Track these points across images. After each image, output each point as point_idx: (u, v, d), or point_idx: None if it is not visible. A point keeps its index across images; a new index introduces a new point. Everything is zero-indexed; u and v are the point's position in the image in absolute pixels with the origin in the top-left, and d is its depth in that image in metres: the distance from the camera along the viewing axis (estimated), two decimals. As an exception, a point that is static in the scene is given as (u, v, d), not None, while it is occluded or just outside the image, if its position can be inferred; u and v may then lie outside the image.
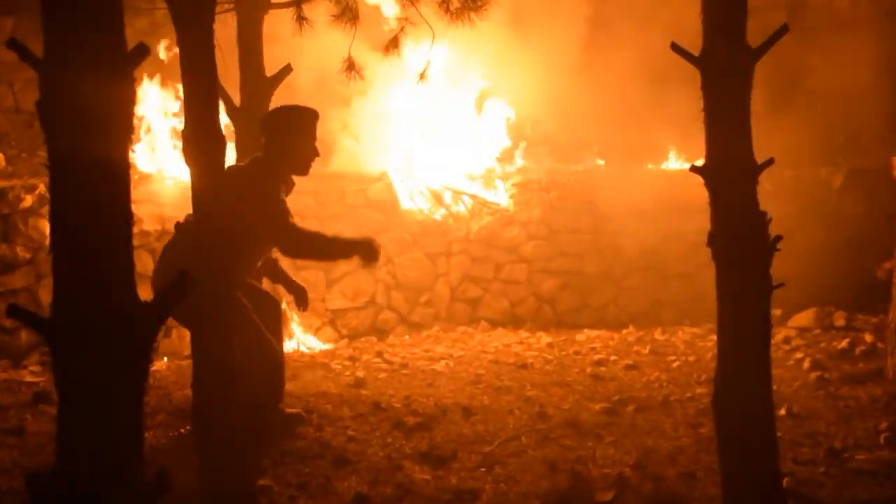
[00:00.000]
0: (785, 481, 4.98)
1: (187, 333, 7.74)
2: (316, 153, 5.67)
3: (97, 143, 2.32)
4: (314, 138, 5.66)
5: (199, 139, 4.38)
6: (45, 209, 7.85)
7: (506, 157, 11.20)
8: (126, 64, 2.36)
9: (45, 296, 8.18)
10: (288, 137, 5.57)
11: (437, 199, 10.41)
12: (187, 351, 8.04)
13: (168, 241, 5.65)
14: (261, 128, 5.65)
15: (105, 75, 2.31)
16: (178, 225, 5.19)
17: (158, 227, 8.80)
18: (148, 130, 9.94)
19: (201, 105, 4.38)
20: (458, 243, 10.25)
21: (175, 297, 2.44)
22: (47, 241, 2.44)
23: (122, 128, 2.39)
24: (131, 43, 2.44)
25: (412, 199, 10.26)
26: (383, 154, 10.63)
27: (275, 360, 5.69)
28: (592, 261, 10.39)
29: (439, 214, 10.28)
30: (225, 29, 6.19)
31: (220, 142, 4.45)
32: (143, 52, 2.40)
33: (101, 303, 2.36)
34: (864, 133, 11.25)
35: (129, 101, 2.40)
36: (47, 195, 2.45)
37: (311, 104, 5.78)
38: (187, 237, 4.85)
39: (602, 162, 11.49)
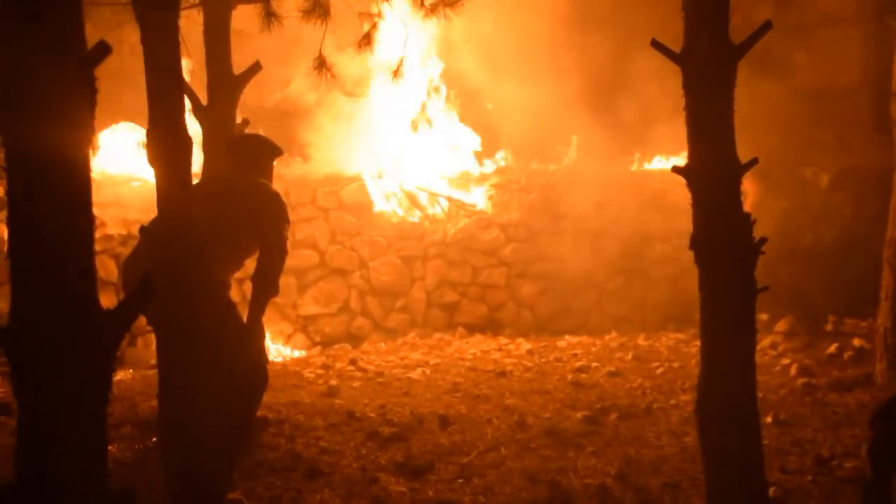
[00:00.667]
0: (771, 491, 5.01)
1: (153, 341, 7.72)
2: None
3: (56, 144, 2.31)
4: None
5: (165, 139, 4.36)
6: (4, 213, 7.80)
7: (484, 157, 11.22)
8: (86, 62, 2.35)
9: (3, 304, 8.12)
10: (269, 163, 5.91)
11: (413, 201, 10.41)
12: (153, 360, 8.00)
13: (135, 247, 5.62)
14: (249, 148, 5.89)
15: (64, 74, 2.30)
16: (143, 229, 5.18)
17: (123, 230, 8.75)
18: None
19: (166, 104, 4.36)
20: (435, 247, 10.25)
21: (138, 304, 2.43)
22: (5, 247, 2.42)
23: (82, 128, 2.38)
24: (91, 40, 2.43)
25: (387, 202, 10.26)
26: (356, 155, 10.62)
27: (255, 367, 5.60)
28: (574, 264, 10.40)
29: (415, 217, 10.29)
30: (191, 25, 6.18)
31: (186, 142, 4.44)
32: (104, 50, 2.39)
33: (62, 310, 2.35)
34: (852, 132, 11.33)
35: (90, 100, 2.39)
36: (5, 198, 2.43)
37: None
38: (154, 241, 4.84)
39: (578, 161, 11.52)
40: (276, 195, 5.68)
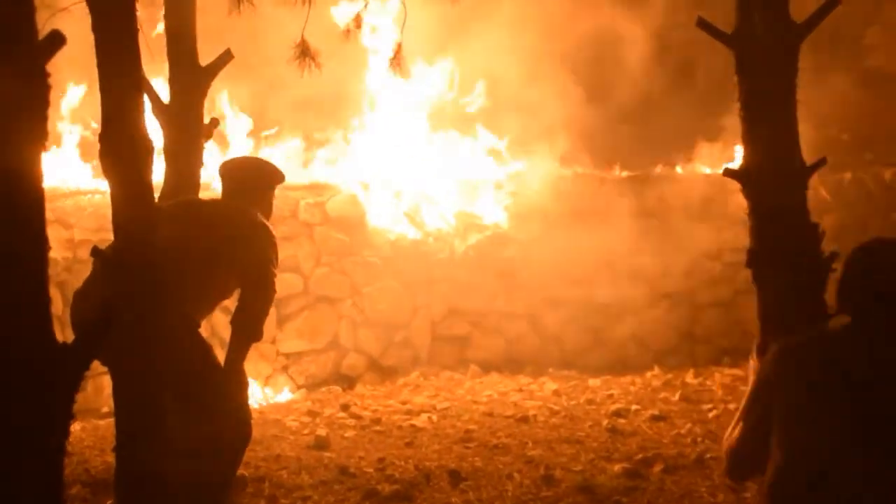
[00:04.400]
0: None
1: (105, 386, 7.74)
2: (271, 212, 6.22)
3: (3, 152, 2.33)
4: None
5: (121, 144, 4.39)
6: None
7: (498, 161, 11.23)
8: (37, 56, 2.38)
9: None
10: (266, 191, 6.09)
11: (414, 213, 10.43)
12: (106, 407, 8.03)
13: (89, 275, 5.65)
14: (238, 175, 6.05)
15: (11, 70, 2.33)
16: (96, 251, 5.20)
17: (69, 254, 8.79)
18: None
19: (122, 102, 4.40)
20: (441, 268, 10.26)
21: (100, 336, 2.45)
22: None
23: (33, 133, 2.41)
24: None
25: (382, 215, 10.28)
26: (346, 160, 10.66)
27: (235, 422, 5.62)
28: (606, 287, 10.42)
29: (417, 233, 10.30)
30: (149, 9, 6.23)
31: (146, 147, 4.47)
32: (58, 40, 2.42)
33: (11, 346, 2.37)
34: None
35: (42, 100, 2.41)
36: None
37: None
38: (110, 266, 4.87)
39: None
40: (263, 225, 5.75)
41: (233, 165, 6.14)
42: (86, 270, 5.71)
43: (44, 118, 2.46)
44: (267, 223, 5.85)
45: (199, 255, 5.47)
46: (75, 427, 7.96)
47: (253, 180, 6.01)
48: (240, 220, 5.71)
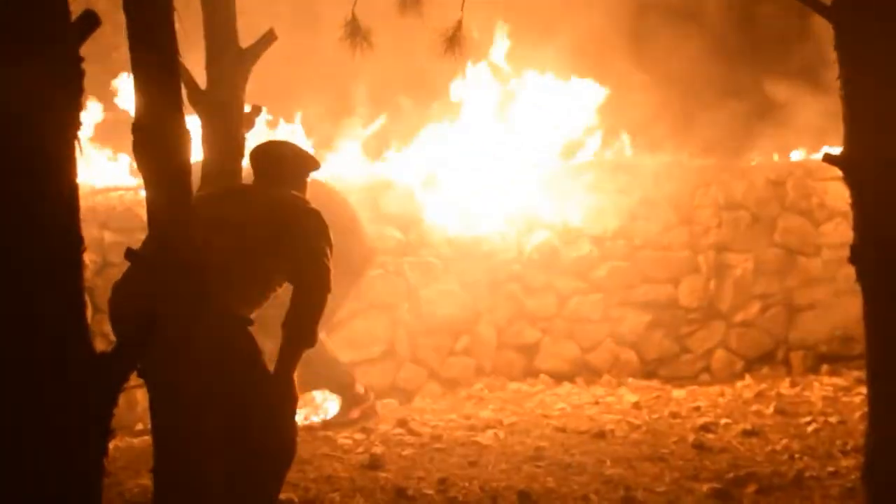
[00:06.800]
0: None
1: (139, 400, 7.81)
2: None
3: (34, 145, 2.35)
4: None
5: (156, 135, 4.42)
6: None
7: (568, 148, 11.19)
8: (70, 39, 2.39)
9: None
10: (303, 177, 6.14)
11: (477, 208, 10.40)
12: (141, 424, 8.10)
13: (122, 276, 5.69)
14: (275, 160, 6.09)
15: (42, 56, 2.35)
16: (131, 253, 5.23)
17: (98, 257, 8.85)
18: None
19: (158, 89, 4.43)
20: (506, 268, 10.23)
21: (140, 345, 2.47)
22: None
23: (66, 124, 2.42)
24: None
25: (441, 210, 10.26)
26: (400, 150, 10.67)
27: (280, 437, 5.66)
28: (690, 288, 10.36)
29: (479, 229, 10.27)
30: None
31: (183, 138, 4.50)
32: (93, 22, 2.44)
33: (45, 357, 2.39)
34: None
35: (75, 87, 2.43)
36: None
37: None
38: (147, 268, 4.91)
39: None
40: (315, 212, 5.76)
41: (268, 149, 6.15)
42: (117, 275, 5.75)
43: (77, 107, 2.47)
44: (318, 210, 5.87)
45: (247, 247, 5.47)
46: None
47: (291, 165, 6.04)
48: (290, 207, 5.73)
